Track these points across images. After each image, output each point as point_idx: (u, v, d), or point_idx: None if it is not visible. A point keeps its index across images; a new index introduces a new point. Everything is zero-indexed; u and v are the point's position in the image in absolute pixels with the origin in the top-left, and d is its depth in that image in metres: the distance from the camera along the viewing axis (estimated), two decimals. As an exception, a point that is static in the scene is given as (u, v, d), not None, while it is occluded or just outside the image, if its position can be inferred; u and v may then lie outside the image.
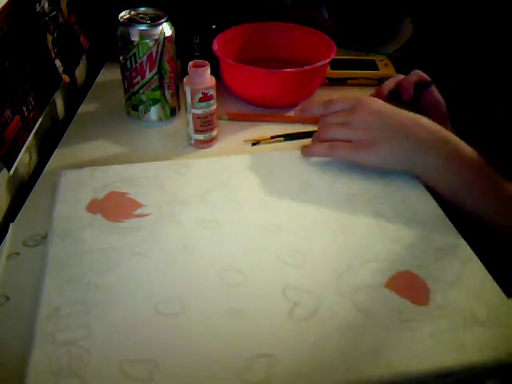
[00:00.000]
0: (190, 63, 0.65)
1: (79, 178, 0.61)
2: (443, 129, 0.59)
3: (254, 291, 0.48)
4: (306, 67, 0.73)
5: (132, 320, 0.45)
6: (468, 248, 0.53)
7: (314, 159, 0.65)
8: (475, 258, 0.52)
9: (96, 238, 0.53)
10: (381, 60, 0.89)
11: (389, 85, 0.70)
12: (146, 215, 0.56)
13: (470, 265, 0.51)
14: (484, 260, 0.51)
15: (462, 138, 0.58)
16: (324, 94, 0.82)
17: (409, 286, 0.49)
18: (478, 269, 0.50)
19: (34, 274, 0.50)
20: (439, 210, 0.57)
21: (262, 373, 0.41)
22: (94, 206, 0.57)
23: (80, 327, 0.44)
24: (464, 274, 0.50)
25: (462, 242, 0.53)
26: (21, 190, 0.64)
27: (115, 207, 0.57)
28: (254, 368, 0.42)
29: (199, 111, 0.66)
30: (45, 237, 0.55)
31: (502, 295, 0.48)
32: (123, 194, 0.59)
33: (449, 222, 0.56)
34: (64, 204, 0.58)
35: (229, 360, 0.42)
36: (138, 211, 0.57)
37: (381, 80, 0.85)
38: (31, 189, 0.62)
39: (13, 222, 0.57)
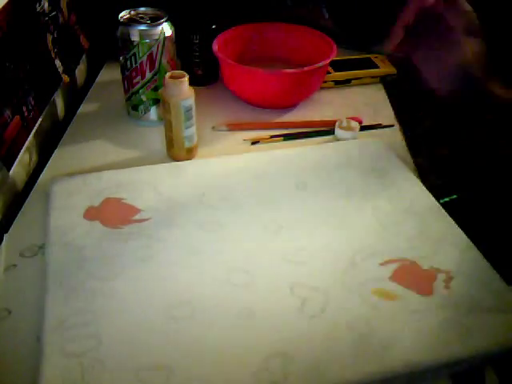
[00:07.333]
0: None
1: (72, 186, 0.60)
2: None
3: (263, 290, 0.48)
4: (306, 68, 0.73)
5: (142, 326, 0.45)
6: (465, 237, 0.53)
7: (313, 159, 0.65)
8: (473, 246, 0.52)
9: (96, 245, 0.52)
10: (375, 57, 0.89)
11: None
12: (146, 220, 0.56)
13: (469, 253, 0.51)
14: (481, 249, 0.52)
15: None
16: (328, 96, 0.82)
17: (412, 277, 0.49)
18: (476, 257, 0.51)
19: (35, 285, 0.49)
20: (434, 201, 0.58)
21: (278, 372, 0.41)
22: (91, 213, 0.56)
23: (89, 337, 0.43)
24: (464, 262, 0.50)
25: (459, 231, 0.54)
26: (16, 198, 0.62)
27: (113, 213, 0.56)
28: (270, 367, 0.41)
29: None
30: (41, 247, 0.54)
31: (503, 282, 0.48)
32: (119, 199, 0.58)
33: (444, 212, 0.56)
34: (59, 212, 0.56)
35: (244, 361, 0.42)
36: (137, 216, 0.56)
37: (383, 77, 0.85)
38: (29, 192, 0.62)
39: (6, 232, 0.56)
